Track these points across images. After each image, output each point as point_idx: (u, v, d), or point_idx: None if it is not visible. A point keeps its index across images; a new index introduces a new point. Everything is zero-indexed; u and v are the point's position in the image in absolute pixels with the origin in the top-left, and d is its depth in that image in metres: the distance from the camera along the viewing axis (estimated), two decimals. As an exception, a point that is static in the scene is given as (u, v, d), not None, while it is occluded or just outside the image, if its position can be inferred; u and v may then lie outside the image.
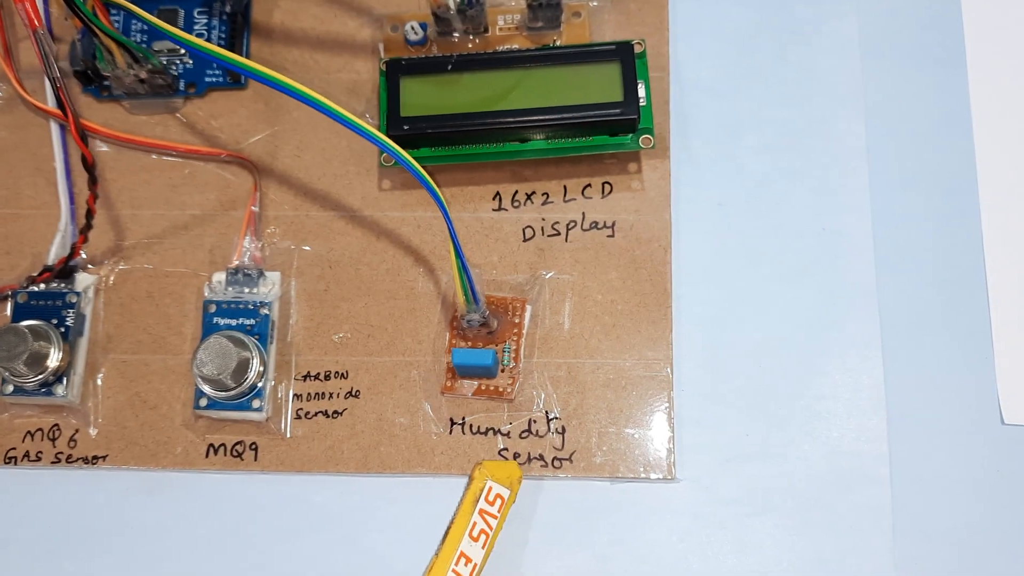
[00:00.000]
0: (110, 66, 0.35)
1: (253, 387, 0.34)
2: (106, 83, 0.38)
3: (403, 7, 0.38)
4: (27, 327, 0.33)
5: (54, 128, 0.38)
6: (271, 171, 0.37)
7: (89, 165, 0.33)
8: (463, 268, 0.31)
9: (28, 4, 0.29)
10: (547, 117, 0.34)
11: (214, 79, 0.38)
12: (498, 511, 0.32)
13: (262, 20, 0.39)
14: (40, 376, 0.34)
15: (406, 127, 0.34)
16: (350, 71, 0.38)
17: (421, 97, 0.34)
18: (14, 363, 0.33)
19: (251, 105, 0.38)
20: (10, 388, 0.34)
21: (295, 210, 0.37)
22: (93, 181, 0.33)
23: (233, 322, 0.34)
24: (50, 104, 0.38)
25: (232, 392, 0.33)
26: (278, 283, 0.35)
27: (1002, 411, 0.33)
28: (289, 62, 0.38)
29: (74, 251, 0.35)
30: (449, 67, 0.34)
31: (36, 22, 0.29)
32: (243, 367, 0.33)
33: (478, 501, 0.32)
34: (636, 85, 0.34)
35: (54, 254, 0.36)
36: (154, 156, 0.38)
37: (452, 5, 0.36)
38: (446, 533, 0.32)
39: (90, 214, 0.34)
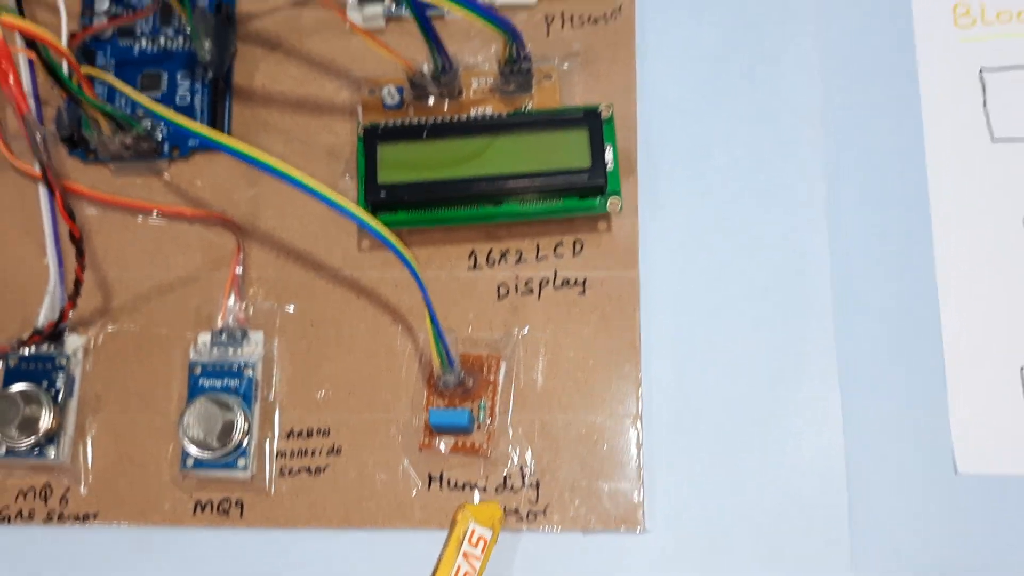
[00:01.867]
0: (96, 134, 0.37)
1: (238, 446, 0.35)
2: (92, 147, 0.39)
3: (380, 71, 0.40)
4: (19, 392, 0.35)
5: (43, 193, 0.40)
6: (254, 232, 0.39)
7: (76, 240, 0.34)
8: (438, 335, 0.33)
9: (15, 89, 0.30)
10: (519, 183, 0.36)
11: (197, 142, 0.40)
12: (481, 552, 0.34)
13: (243, 83, 0.41)
14: (32, 439, 0.35)
15: (383, 194, 0.35)
16: (329, 133, 0.40)
17: (398, 163, 0.36)
18: (7, 428, 0.35)
19: (234, 167, 0.40)
20: (2, 450, 0.36)
21: (278, 270, 0.39)
22: (80, 254, 0.35)
23: (218, 383, 0.36)
24: (36, 167, 0.39)
25: (218, 453, 0.35)
26: (261, 343, 0.37)
27: (956, 461, 0.35)
28: (270, 125, 0.40)
29: (63, 316, 0.36)
30: (424, 134, 0.36)
31: (23, 107, 0.31)
32: (228, 429, 0.35)
33: (462, 544, 0.34)
34: (603, 151, 0.36)
35: (43, 317, 0.38)
36: (140, 218, 0.39)
37: (427, 72, 0.37)
38: (433, 577, 0.34)
39: (78, 283, 0.35)
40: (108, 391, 0.37)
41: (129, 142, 0.38)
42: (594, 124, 0.36)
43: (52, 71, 0.34)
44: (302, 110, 0.41)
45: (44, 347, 0.37)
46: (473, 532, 0.34)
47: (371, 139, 0.36)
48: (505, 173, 0.36)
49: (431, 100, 0.39)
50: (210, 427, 0.34)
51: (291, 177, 0.31)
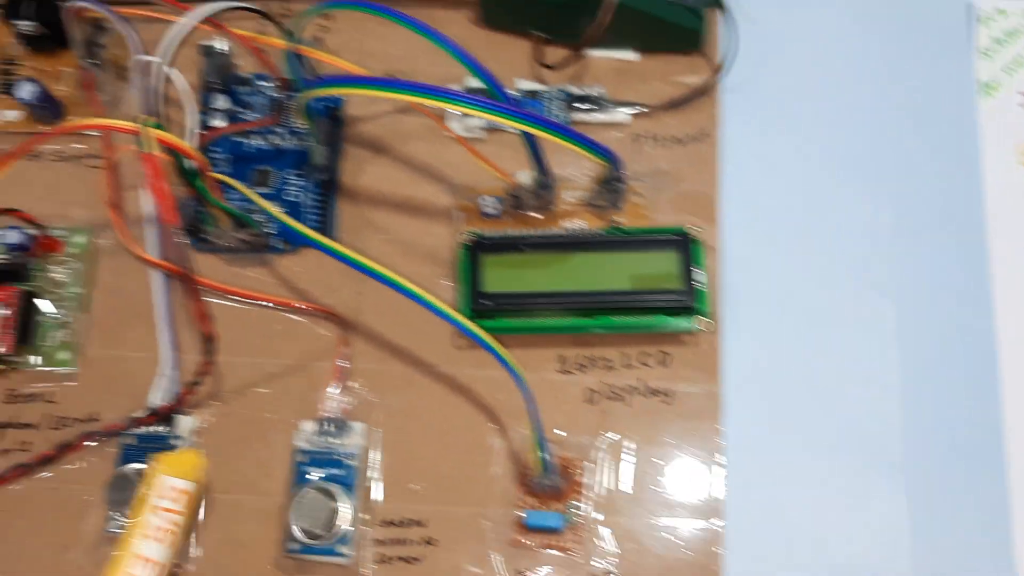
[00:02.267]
0: (216, 229, 0.40)
1: (341, 534, 0.38)
2: (206, 238, 0.42)
3: (477, 179, 0.43)
4: (138, 472, 0.38)
5: (156, 277, 0.42)
6: (356, 325, 0.42)
7: (209, 339, 0.37)
8: (541, 442, 0.35)
9: (167, 201, 0.33)
10: (615, 299, 0.38)
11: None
12: (184, 507, 0.36)
13: (350, 182, 0.43)
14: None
15: (488, 303, 0.38)
16: (429, 235, 0.43)
17: (501, 273, 0.39)
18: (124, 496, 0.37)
19: (339, 264, 0.42)
20: (117, 527, 0.38)
21: (379, 363, 0.41)
22: (210, 353, 0.37)
23: (322, 472, 0.39)
24: (150, 253, 0.42)
25: (323, 541, 0.37)
26: (363, 434, 0.40)
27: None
28: (374, 224, 0.43)
29: (181, 400, 0.39)
30: (523, 248, 0.39)
31: (172, 218, 0.33)
32: (333, 517, 0.37)
33: (152, 500, 0.35)
34: (694, 273, 0.38)
35: (156, 397, 0.40)
36: (249, 306, 0.42)
37: (526, 186, 0.40)
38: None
39: (202, 374, 0.38)
40: (216, 472, 0.40)
41: (246, 237, 0.41)
42: (685, 246, 0.39)
43: (186, 176, 0.37)
44: (403, 211, 0.43)
45: (158, 427, 0.40)
46: (169, 486, 0.35)
47: (476, 249, 0.39)
48: (602, 290, 0.38)
49: (526, 212, 0.42)
50: (317, 516, 0.37)
51: (394, 282, 0.34)
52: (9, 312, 0.40)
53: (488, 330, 0.39)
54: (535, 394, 0.40)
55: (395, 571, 0.38)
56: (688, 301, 0.38)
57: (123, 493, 0.38)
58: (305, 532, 0.37)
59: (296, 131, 0.44)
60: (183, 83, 0.38)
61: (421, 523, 0.39)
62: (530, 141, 0.36)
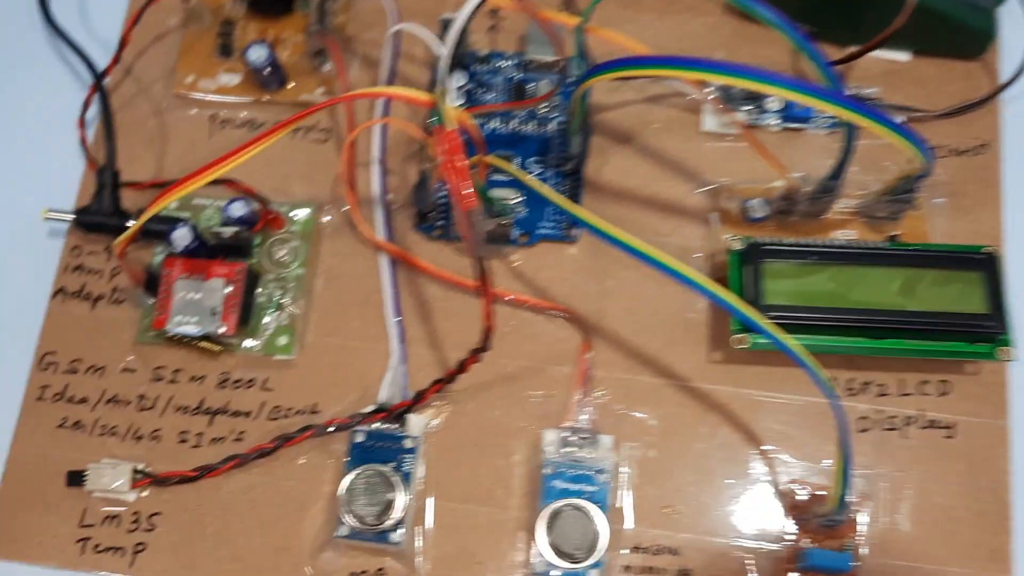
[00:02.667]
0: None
1: (597, 561, 0.34)
2: (440, 224, 0.39)
3: (734, 177, 0.40)
4: (384, 472, 0.34)
5: (383, 262, 0.39)
6: (599, 330, 0.38)
7: (487, 334, 0.33)
8: (846, 475, 0.32)
9: (461, 184, 0.29)
10: (911, 321, 0.35)
11: (547, 231, 0.39)
12: None
13: (593, 176, 0.40)
14: (384, 523, 0.34)
15: (771, 315, 0.35)
16: (679, 235, 0.39)
17: (782, 284, 0.35)
18: (371, 508, 0.34)
19: (580, 260, 0.39)
20: (346, 531, 0.35)
21: (625, 372, 0.38)
22: (484, 349, 0.34)
23: (572, 487, 0.35)
24: (380, 235, 0.39)
25: (583, 565, 0.34)
26: (612, 448, 0.36)
27: None
28: (620, 220, 0.38)
29: (421, 397, 0.36)
30: (809, 257, 0.35)
31: (470, 203, 0.30)
32: (595, 539, 0.34)
33: None
34: (1002, 297, 0.35)
35: (386, 393, 0.37)
36: (477, 300, 0.39)
37: (804, 191, 0.37)
38: None
39: (456, 375, 0.35)
40: (447, 477, 0.37)
41: (492, 227, 0.38)
42: (991, 267, 0.35)
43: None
44: (651, 209, 0.40)
45: (388, 425, 0.37)
46: None
47: (754, 256, 0.36)
48: (896, 308, 0.35)
49: (795, 218, 0.38)
50: (579, 537, 0.34)
51: (708, 289, 0.30)
52: (233, 290, 0.37)
53: (761, 346, 0.36)
54: (800, 419, 0.37)
55: (644, 603, 0.35)
56: (997, 328, 0.34)
57: (364, 499, 0.35)
58: (562, 554, 0.34)
59: (537, 116, 0.40)
60: (445, 55, 0.35)
61: (675, 551, 0.36)
62: (850, 136, 0.33)
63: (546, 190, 0.33)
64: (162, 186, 0.40)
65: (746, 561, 0.35)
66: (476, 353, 0.33)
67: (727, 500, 0.36)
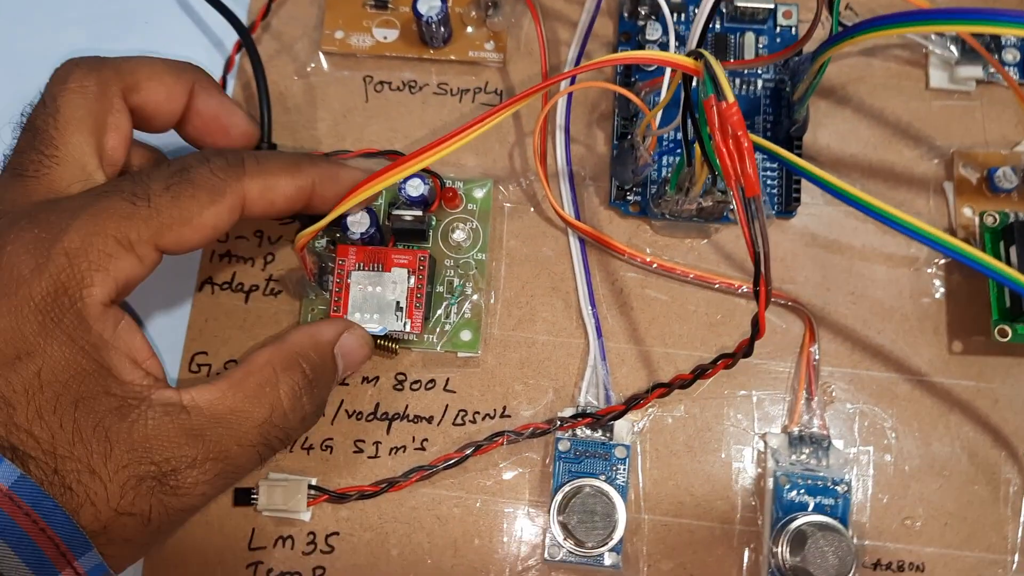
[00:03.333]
0: (680, 193, 0.32)
1: (845, 581, 0.31)
2: (635, 199, 0.34)
3: (970, 142, 0.35)
4: (602, 491, 0.31)
5: (573, 243, 0.35)
6: (822, 319, 0.34)
7: (757, 332, 0.28)
8: None
9: (745, 166, 0.25)
10: None
11: (771, 212, 0.34)
12: None
13: (808, 141, 0.35)
14: (604, 543, 0.31)
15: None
16: (909, 208, 0.35)
17: (1052, 270, 0.31)
18: (597, 533, 0.30)
19: (797, 240, 0.35)
20: (560, 553, 0.31)
21: (853, 367, 0.34)
22: (744, 355, 0.29)
23: (809, 500, 0.31)
24: (567, 211, 0.35)
25: (825, 588, 0.30)
26: (848, 455, 0.32)
27: None
28: (838, 192, 0.35)
29: (637, 403, 0.32)
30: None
31: (756, 186, 0.25)
32: (851, 563, 0.30)
33: None
34: None
35: (586, 394, 0.33)
36: (684, 286, 0.35)
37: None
38: None
39: (688, 379, 0.30)
40: (657, 488, 0.33)
41: (707, 204, 0.33)
42: None
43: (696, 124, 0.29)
44: (875, 178, 0.35)
45: (591, 432, 0.33)
46: None
47: (1023, 235, 0.31)
48: None
49: (1044, 187, 0.34)
50: (836, 564, 0.30)
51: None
52: (417, 281, 0.32)
53: (1022, 337, 0.31)
54: (1061, 416, 0.33)
55: (892, 626, 0.32)
56: None
57: (583, 519, 0.31)
58: (809, 577, 0.30)
59: (743, 74, 0.36)
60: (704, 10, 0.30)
61: (920, 568, 0.32)
62: None
63: (801, 162, 0.28)
64: (316, 160, 0.36)
65: (1000, 572, 0.32)
66: (731, 358, 0.28)
67: (974, 508, 0.32)
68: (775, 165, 0.35)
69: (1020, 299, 0.31)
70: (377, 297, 0.32)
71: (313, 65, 0.37)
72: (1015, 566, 0.32)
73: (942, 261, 0.35)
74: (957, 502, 0.33)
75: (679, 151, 0.35)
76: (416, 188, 0.33)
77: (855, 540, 0.32)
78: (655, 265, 0.34)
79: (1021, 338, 0.32)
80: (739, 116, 0.25)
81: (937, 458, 0.33)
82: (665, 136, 0.35)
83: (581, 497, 0.31)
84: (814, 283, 0.35)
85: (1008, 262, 0.32)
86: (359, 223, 0.32)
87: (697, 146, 0.29)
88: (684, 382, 0.31)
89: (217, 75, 0.36)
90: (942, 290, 0.34)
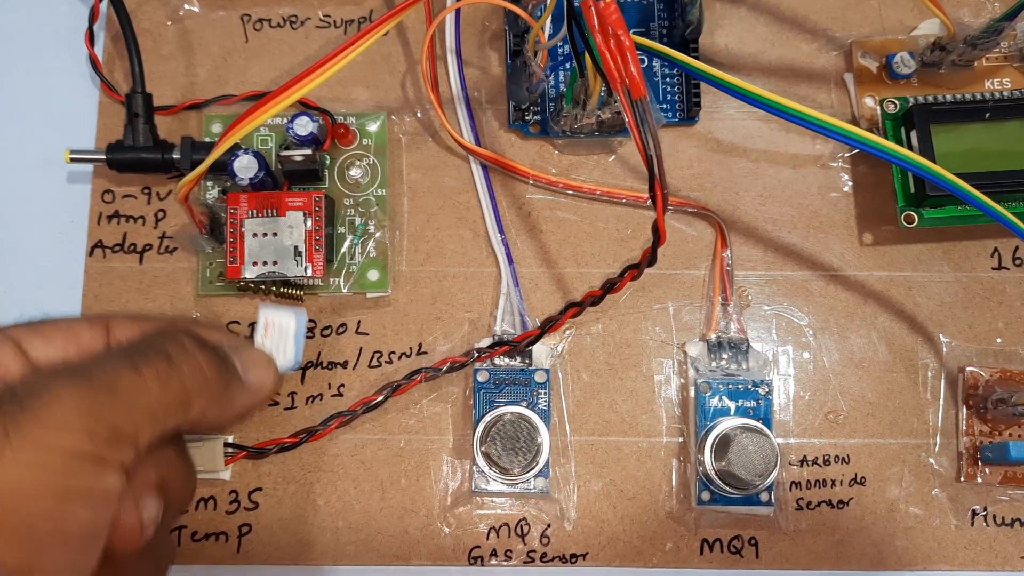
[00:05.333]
0: (578, 107, 0.32)
1: (770, 484, 0.31)
2: (535, 118, 0.34)
3: (865, 29, 0.35)
4: (523, 416, 0.31)
5: (476, 170, 0.34)
6: (732, 223, 0.34)
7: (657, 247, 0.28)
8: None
9: (636, 70, 0.24)
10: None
11: (663, 115, 0.34)
12: None
13: (706, 43, 0.35)
14: (529, 469, 0.31)
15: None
16: (811, 104, 0.34)
17: (954, 150, 0.31)
18: (520, 459, 0.30)
19: (702, 146, 0.35)
20: (485, 483, 0.31)
21: (766, 268, 0.34)
22: (648, 263, 0.29)
23: (731, 404, 0.32)
24: (467, 138, 0.34)
25: (756, 489, 0.31)
26: (767, 357, 0.33)
27: None
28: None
29: (553, 325, 0.31)
30: (987, 115, 0.31)
31: (641, 90, 0.25)
32: (772, 461, 0.30)
33: None
34: None
35: (502, 323, 0.33)
36: (591, 203, 0.34)
37: (960, 39, 0.32)
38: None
39: (598, 295, 0.30)
40: (581, 409, 0.33)
41: (606, 116, 0.32)
42: None
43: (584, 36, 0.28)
44: (774, 76, 0.35)
45: (510, 360, 0.33)
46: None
47: (922, 118, 0.31)
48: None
49: (942, 70, 0.34)
50: (754, 461, 0.30)
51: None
52: (314, 223, 0.32)
53: (936, 224, 0.32)
54: (966, 298, 0.34)
55: (819, 518, 0.32)
56: None
57: (506, 447, 0.31)
58: (736, 480, 0.31)
59: (632, -20, 0.35)
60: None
61: (845, 459, 0.33)
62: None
63: (695, 63, 0.28)
64: (198, 107, 0.35)
65: (922, 456, 0.33)
66: (636, 268, 0.28)
67: (895, 396, 0.33)
68: (675, 72, 0.35)
69: (923, 184, 0.32)
70: (274, 244, 0.31)
71: (186, 7, 0.35)
72: (937, 447, 0.33)
73: (847, 155, 0.35)
74: (877, 392, 0.33)
75: (572, 66, 0.34)
76: (304, 127, 0.32)
77: (779, 440, 0.32)
78: (561, 185, 0.34)
79: (927, 222, 0.32)
80: (618, 15, 0.24)
81: (855, 351, 0.34)
82: (559, 51, 0.35)
83: (502, 425, 0.31)
84: (722, 188, 0.35)
85: (909, 146, 0.32)
86: (246, 168, 0.31)
87: (588, 56, 0.29)
88: (595, 298, 0.31)
89: (82, 26, 0.35)
90: (849, 184, 0.35)
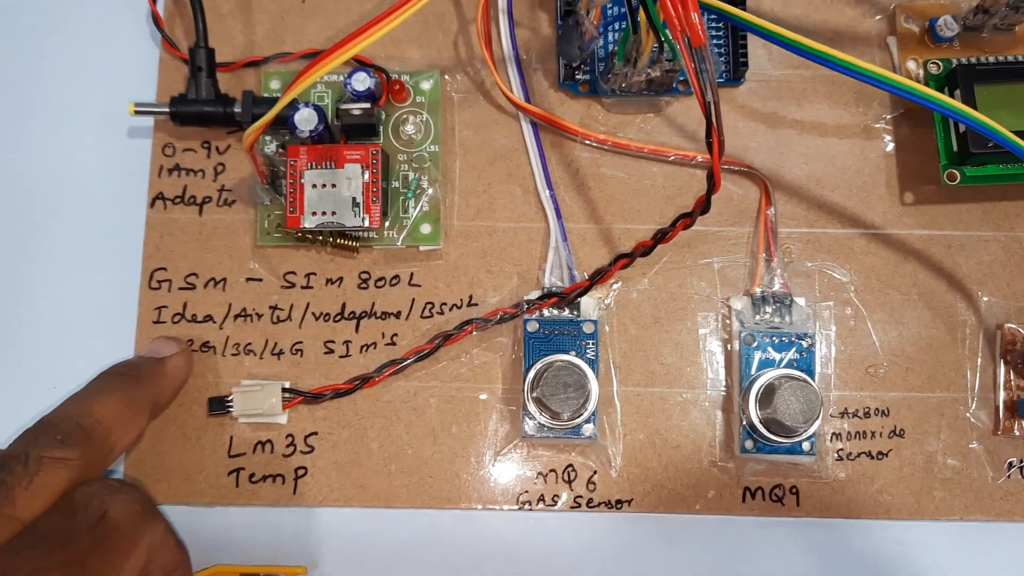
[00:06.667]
0: (629, 65, 0.33)
1: (812, 433, 0.32)
2: (585, 78, 0.35)
3: (911, -5, 0.36)
4: (573, 363, 0.32)
5: (526, 128, 0.35)
6: (776, 182, 0.35)
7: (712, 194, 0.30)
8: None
9: (688, 17, 0.25)
10: None
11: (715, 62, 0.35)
12: None
13: (753, 6, 0.36)
14: (579, 414, 0.32)
15: (991, 144, 0.32)
16: None
17: (998, 110, 0.32)
18: (570, 404, 0.31)
19: (747, 105, 0.36)
20: (534, 428, 0.33)
21: (809, 226, 0.35)
22: (703, 211, 0.30)
23: (776, 356, 0.33)
24: (517, 96, 0.35)
25: (799, 438, 0.32)
26: (809, 311, 0.34)
27: None
28: (785, 57, 0.36)
29: (602, 277, 0.33)
30: (1029, 77, 0.32)
31: (701, 37, 0.26)
32: (817, 409, 0.32)
33: None
34: None
35: (550, 276, 0.34)
36: (641, 160, 0.35)
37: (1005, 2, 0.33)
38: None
39: (650, 245, 0.31)
40: (628, 360, 0.34)
41: (656, 75, 0.34)
42: None
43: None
44: (819, 39, 0.36)
45: (559, 311, 0.34)
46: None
47: (966, 79, 0.32)
48: None
49: (984, 33, 0.35)
50: (798, 408, 0.31)
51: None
52: (371, 176, 0.33)
53: (980, 181, 0.33)
54: (1005, 256, 0.35)
55: (859, 468, 0.34)
56: None
57: (556, 393, 0.32)
58: (782, 428, 0.32)
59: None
60: None
61: (885, 412, 0.34)
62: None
63: (750, 17, 0.29)
64: (257, 64, 0.36)
65: (960, 410, 0.34)
66: (688, 217, 0.29)
67: (934, 351, 0.34)
68: (721, 33, 0.36)
69: (966, 141, 0.33)
70: (333, 195, 0.33)
71: (244, -33, 0.37)
72: (975, 402, 0.34)
73: (890, 115, 0.36)
74: (917, 347, 0.34)
75: (624, 24, 0.35)
76: (362, 82, 0.33)
77: (821, 392, 0.33)
78: (609, 143, 0.35)
79: (969, 180, 0.33)
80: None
81: (896, 307, 0.35)
82: (609, 10, 0.36)
83: (553, 371, 0.32)
84: (767, 148, 0.36)
85: (953, 108, 0.33)
86: (307, 120, 0.32)
87: (642, 11, 0.30)
88: (645, 249, 0.32)
89: (146, -16, 0.36)
90: (891, 144, 0.36)
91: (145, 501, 0.29)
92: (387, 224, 0.35)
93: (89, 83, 0.37)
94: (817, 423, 0.32)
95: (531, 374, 0.33)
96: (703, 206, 0.29)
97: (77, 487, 0.27)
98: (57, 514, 0.27)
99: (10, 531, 0.26)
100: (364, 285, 0.35)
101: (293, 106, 0.33)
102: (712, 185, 0.28)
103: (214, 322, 0.35)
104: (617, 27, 0.36)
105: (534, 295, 0.34)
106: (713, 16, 0.34)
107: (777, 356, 0.33)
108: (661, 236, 0.31)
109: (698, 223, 0.34)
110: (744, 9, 0.35)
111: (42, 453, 0.27)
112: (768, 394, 0.32)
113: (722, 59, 0.36)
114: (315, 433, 0.34)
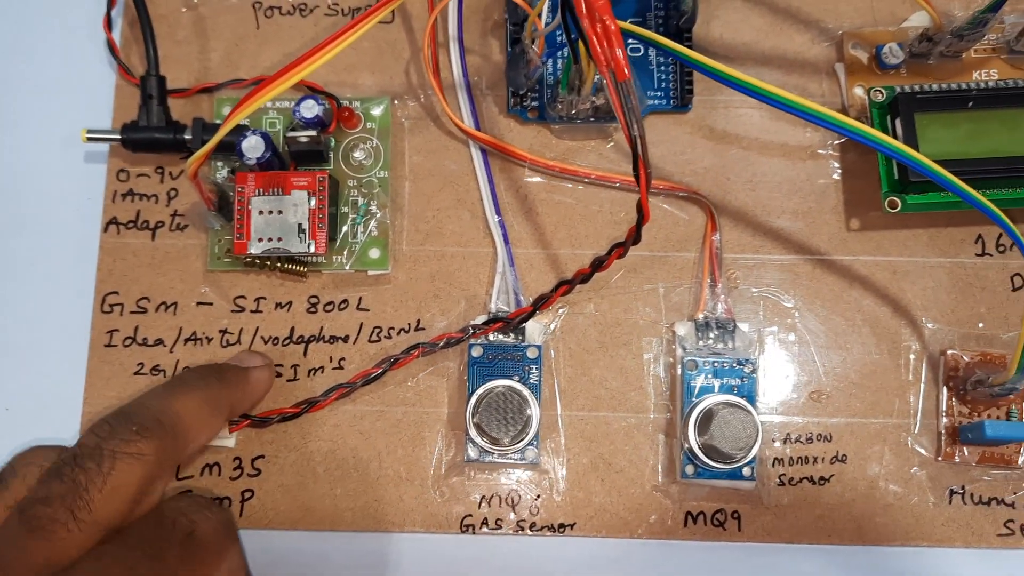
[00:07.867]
0: (573, 93, 0.33)
1: (752, 459, 0.33)
2: (533, 104, 0.36)
3: (859, 23, 0.37)
4: (513, 389, 0.32)
5: (476, 154, 0.36)
6: (722, 207, 0.36)
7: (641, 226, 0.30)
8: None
9: (623, 56, 0.26)
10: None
11: (657, 102, 0.36)
12: None
13: (700, 33, 0.37)
14: (519, 440, 0.33)
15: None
16: (802, 94, 0.36)
17: (938, 137, 0.33)
18: (510, 429, 0.32)
19: (694, 131, 0.36)
20: (476, 453, 0.33)
21: (755, 252, 0.36)
22: (634, 242, 0.31)
23: (716, 382, 0.34)
24: (467, 123, 0.36)
25: (737, 464, 0.32)
26: (754, 337, 0.34)
27: None
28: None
29: (544, 302, 0.33)
30: (970, 104, 0.33)
31: (625, 73, 0.27)
32: (754, 436, 0.32)
33: None
34: None
35: (496, 301, 0.35)
36: (587, 187, 0.36)
37: (948, 31, 0.34)
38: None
39: (587, 273, 0.32)
40: (573, 385, 0.35)
41: (601, 102, 0.34)
42: None
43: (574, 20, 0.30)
44: (768, 66, 0.37)
45: (504, 336, 0.34)
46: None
47: (907, 107, 0.33)
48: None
49: (930, 61, 0.36)
50: (737, 435, 0.32)
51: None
52: (318, 202, 0.34)
53: (919, 209, 0.33)
54: (949, 283, 0.35)
55: (801, 493, 0.34)
56: None
57: (496, 418, 0.33)
58: (718, 454, 0.32)
59: (632, -29, 0.37)
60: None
61: (828, 437, 0.35)
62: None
63: (685, 50, 0.30)
64: (210, 91, 0.37)
65: (903, 436, 0.34)
66: (622, 247, 0.30)
67: (878, 377, 0.35)
68: (669, 60, 0.36)
69: (907, 170, 0.33)
70: (279, 221, 0.34)
71: (199, -6, 0.38)
72: (918, 427, 0.34)
73: (837, 143, 0.36)
74: (860, 373, 0.35)
75: (568, 51, 0.36)
76: (310, 109, 0.34)
77: (763, 418, 0.34)
78: (557, 169, 0.36)
79: (910, 208, 0.34)
80: (604, 1, 0.26)
81: (840, 333, 0.35)
82: (556, 38, 0.36)
83: (491, 397, 0.33)
84: (713, 173, 0.36)
85: (895, 134, 0.34)
86: (254, 148, 0.33)
87: (581, 43, 0.31)
88: (584, 276, 0.32)
89: (100, 12, 0.37)
90: (838, 171, 0.36)
91: (228, 523, 0.29)
92: (336, 249, 0.35)
93: (48, 107, 0.38)
94: (755, 450, 0.32)
95: (472, 399, 0.33)
96: (634, 236, 0.29)
97: (166, 501, 0.27)
98: (147, 525, 0.26)
99: (91, 538, 0.25)
100: (313, 309, 0.36)
101: (241, 133, 0.33)
102: (641, 216, 0.28)
103: (164, 346, 0.35)
104: (562, 55, 0.37)
105: (480, 320, 0.35)
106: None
107: (718, 382, 0.34)
108: (598, 264, 0.32)
109: (644, 248, 0.35)
110: (690, 39, 0.36)
111: (116, 448, 0.26)
112: (706, 420, 0.33)
113: (669, 86, 0.36)
114: (262, 456, 0.35)
